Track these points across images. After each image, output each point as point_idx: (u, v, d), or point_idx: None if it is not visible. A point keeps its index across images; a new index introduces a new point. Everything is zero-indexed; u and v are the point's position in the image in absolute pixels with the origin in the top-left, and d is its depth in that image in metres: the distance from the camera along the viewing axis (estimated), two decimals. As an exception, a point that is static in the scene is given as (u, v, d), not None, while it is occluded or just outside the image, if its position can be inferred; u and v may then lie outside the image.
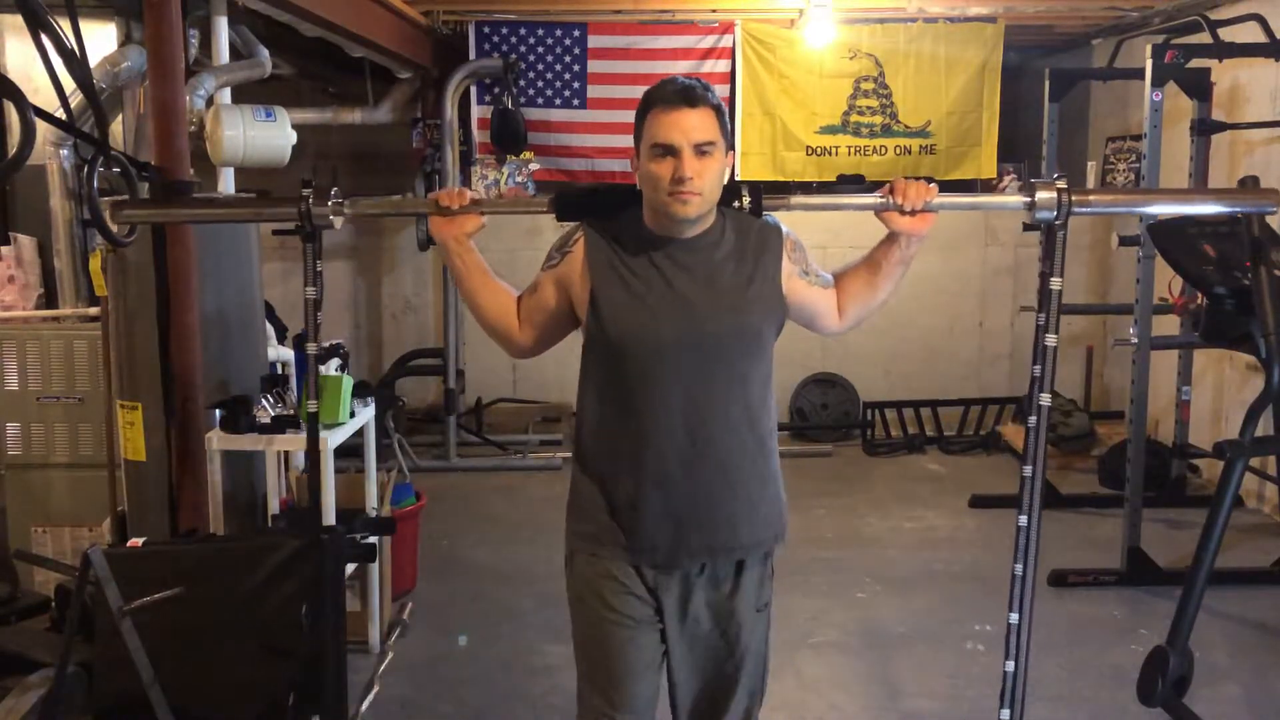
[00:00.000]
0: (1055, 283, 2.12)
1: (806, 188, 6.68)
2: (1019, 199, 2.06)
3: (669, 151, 1.93)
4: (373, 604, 3.75)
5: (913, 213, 2.01)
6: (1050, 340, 2.07)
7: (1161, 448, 5.50)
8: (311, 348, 2.21)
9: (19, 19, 2.48)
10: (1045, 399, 2.03)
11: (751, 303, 2.03)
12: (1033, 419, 2.04)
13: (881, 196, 2.02)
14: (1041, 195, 2.02)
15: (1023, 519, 2.22)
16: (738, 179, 6.75)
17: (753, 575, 2.15)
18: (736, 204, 2.07)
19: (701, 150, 1.92)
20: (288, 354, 4.33)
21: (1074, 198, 2.02)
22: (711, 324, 2.00)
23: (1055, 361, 2.06)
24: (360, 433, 3.77)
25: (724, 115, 1.97)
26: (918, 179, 2.03)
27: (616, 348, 2.03)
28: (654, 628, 2.12)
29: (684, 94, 1.93)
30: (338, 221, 2.15)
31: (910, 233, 2.05)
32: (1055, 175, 2.02)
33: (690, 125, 1.92)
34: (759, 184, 2.12)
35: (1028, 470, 2.08)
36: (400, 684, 3.55)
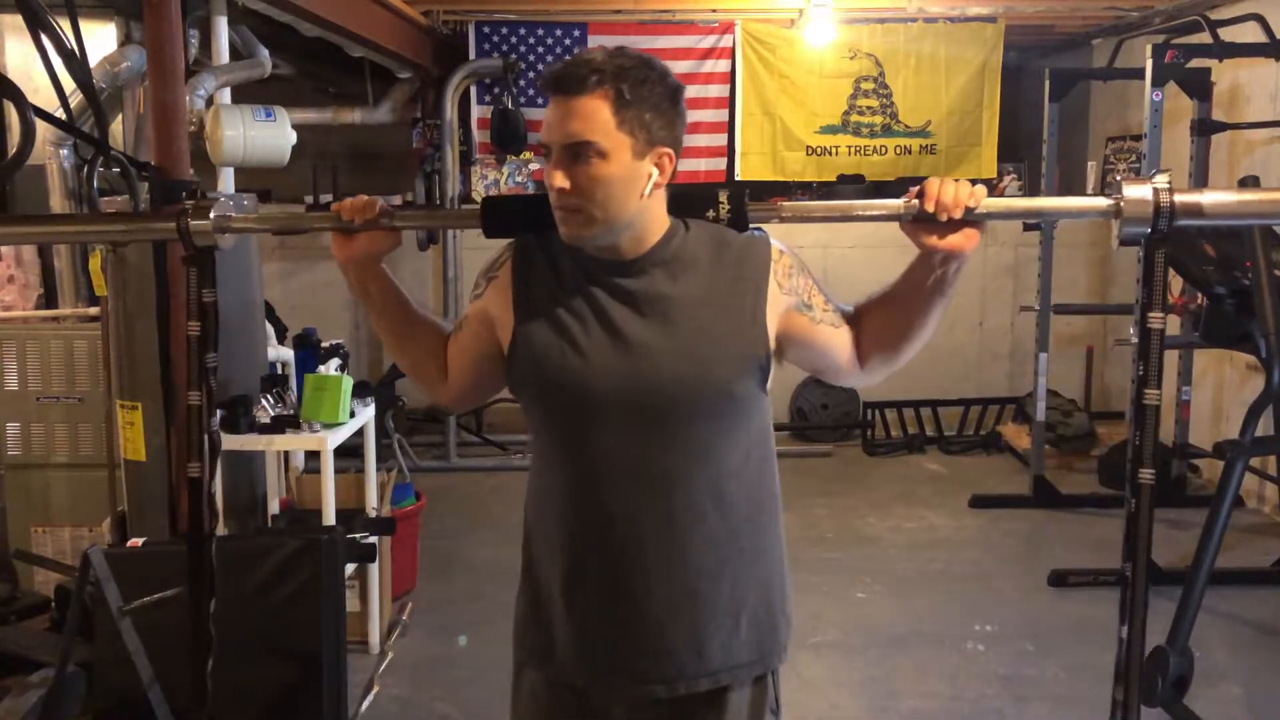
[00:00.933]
0: (1156, 319, 1.46)
1: (807, 188, 6.69)
2: (1100, 202, 1.47)
3: (548, 154, 1.49)
4: (373, 604, 3.75)
5: (951, 224, 1.45)
6: (1152, 398, 1.52)
7: (1162, 448, 5.49)
8: (195, 396, 1.77)
9: (19, 19, 2.48)
10: (1147, 474, 1.57)
11: (720, 349, 1.51)
12: (1131, 501, 1.58)
13: (908, 201, 1.47)
14: (1132, 193, 1.42)
15: (1124, 630, 1.55)
16: (734, 179, 6.78)
17: (737, 710, 1.61)
18: (712, 214, 1.55)
19: (575, 152, 1.44)
20: (288, 354, 4.33)
21: (1179, 201, 1.42)
22: (660, 376, 1.49)
23: (1157, 424, 1.55)
24: (360, 433, 3.77)
25: (638, 102, 1.44)
26: (958, 181, 1.46)
27: (538, 402, 1.59)
28: None
29: (557, 79, 1.46)
30: (225, 241, 1.75)
31: (950, 252, 1.47)
32: (1153, 171, 1.51)
33: (561, 119, 1.46)
34: (742, 187, 1.59)
35: (1128, 568, 1.57)
36: (400, 684, 3.55)
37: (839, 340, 1.62)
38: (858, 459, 6.47)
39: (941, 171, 6.57)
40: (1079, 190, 7.05)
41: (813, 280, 1.62)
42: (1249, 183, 3.81)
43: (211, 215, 1.69)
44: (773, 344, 1.56)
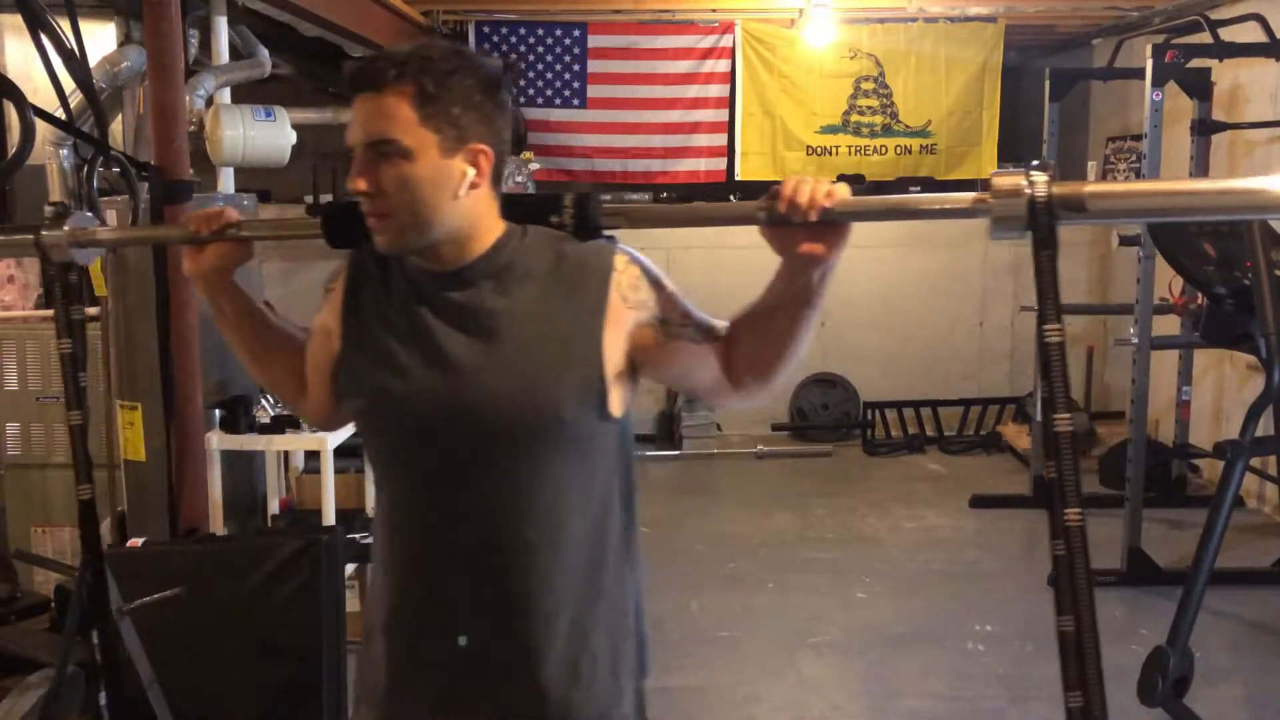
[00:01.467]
0: (1053, 333, 1.37)
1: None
2: (967, 197, 1.30)
3: (354, 157, 1.37)
4: (373, 604, 3.74)
5: (811, 228, 1.29)
6: (1063, 424, 1.28)
7: (1161, 448, 5.50)
8: (75, 416, 1.66)
9: (19, 19, 2.48)
10: (1074, 514, 1.22)
11: (548, 369, 1.37)
12: (1058, 543, 1.24)
13: (764, 204, 1.32)
14: (1003, 185, 1.24)
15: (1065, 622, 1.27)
16: (733, 178, 6.77)
17: None
18: (555, 220, 1.44)
19: (377, 152, 1.33)
20: (288, 354, 4.33)
21: (1058, 194, 1.23)
22: (481, 398, 1.37)
23: (1076, 457, 1.25)
24: (360, 433, 3.77)
25: (444, 96, 1.33)
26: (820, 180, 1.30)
27: (361, 424, 1.51)
28: None
29: (356, 76, 1.34)
30: (83, 256, 1.72)
31: (809, 258, 1.31)
32: (1032, 163, 1.25)
33: (362, 118, 1.35)
34: (589, 194, 1.47)
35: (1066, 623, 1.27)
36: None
37: (701, 358, 1.43)
38: (858, 459, 6.46)
39: (942, 172, 6.58)
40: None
41: (669, 292, 1.44)
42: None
43: (65, 228, 1.62)
44: (620, 363, 1.41)
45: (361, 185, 1.33)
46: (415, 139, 1.32)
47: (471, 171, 1.36)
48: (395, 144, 1.31)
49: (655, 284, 1.43)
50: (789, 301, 1.36)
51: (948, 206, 1.35)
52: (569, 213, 1.43)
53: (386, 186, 1.33)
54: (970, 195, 1.28)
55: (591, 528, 1.45)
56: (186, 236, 1.55)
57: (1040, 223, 1.23)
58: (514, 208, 1.46)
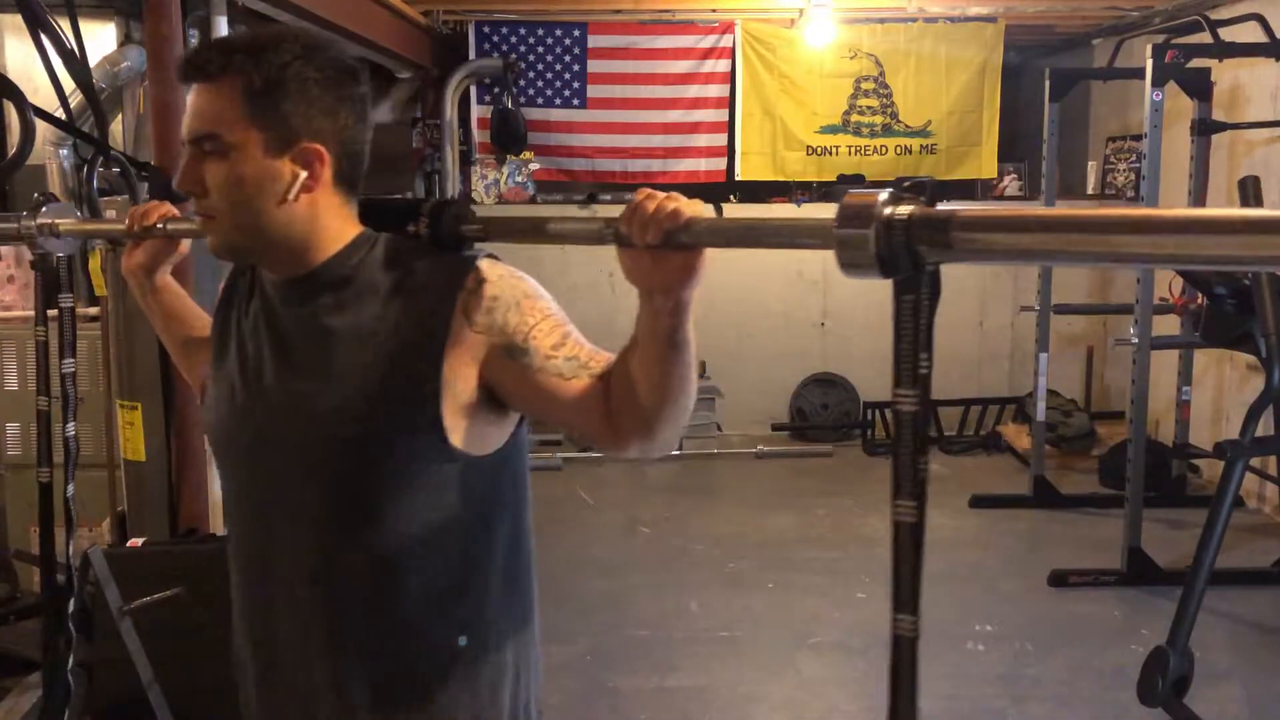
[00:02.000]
0: (905, 400, 1.09)
1: (807, 188, 6.69)
2: (820, 224, 0.99)
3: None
4: (373, 604, 3.75)
5: (657, 251, 1.08)
6: (906, 513, 1.10)
7: (1161, 448, 5.50)
8: (42, 401, 1.71)
9: (19, 19, 2.48)
10: (907, 624, 1.11)
11: (377, 396, 1.23)
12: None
13: (613, 221, 1.12)
14: (850, 203, 0.95)
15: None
16: (738, 178, 6.78)
17: None
18: (413, 229, 1.29)
19: (200, 147, 1.22)
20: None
21: (920, 218, 0.96)
22: (309, 426, 1.26)
23: (919, 548, 1.09)
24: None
25: (276, 89, 1.20)
26: (675, 196, 1.08)
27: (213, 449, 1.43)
28: None
29: (186, 63, 1.23)
30: (57, 246, 1.76)
31: (651, 287, 1.11)
32: (901, 182, 0.97)
33: (190, 109, 1.23)
34: (451, 200, 1.33)
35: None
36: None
37: (571, 396, 1.23)
38: (858, 459, 6.47)
39: (942, 172, 6.58)
40: (1079, 190, 7.06)
41: (539, 318, 1.26)
42: (1248, 183, 3.80)
43: (37, 220, 1.61)
44: (470, 392, 1.24)
45: (179, 182, 1.24)
46: (237, 135, 1.20)
47: (303, 174, 1.22)
48: (216, 140, 1.21)
49: (517, 306, 1.25)
50: (648, 339, 1.15)
51: (800, 238, 1.06)
52: (424, 221, 1.28)
53: (210, 185, 1.22)
54: (826, 222, 0.97)
55: (447, 579, 1.29)
56: (116, 233, 1.53)
57: (895, 263, 0.97)
58: (371, 213, 1.33)
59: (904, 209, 0.94)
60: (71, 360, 1.77)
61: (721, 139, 6.61)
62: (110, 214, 3.32)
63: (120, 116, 4.56)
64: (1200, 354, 5.47)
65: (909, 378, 1.06)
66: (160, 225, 1.50)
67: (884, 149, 6.66)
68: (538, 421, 1.38)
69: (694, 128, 6.60)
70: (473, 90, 6.49)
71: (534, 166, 6.57)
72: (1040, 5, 6.12)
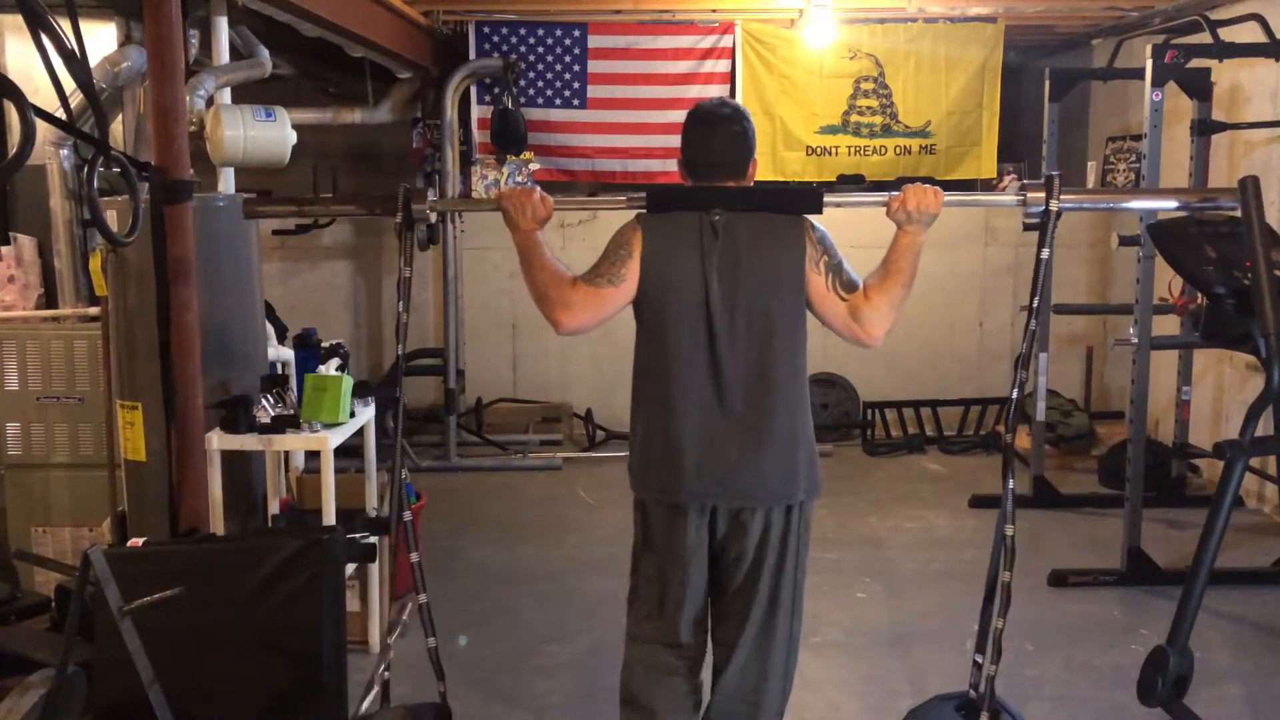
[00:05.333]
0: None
1: (806, 187, 6.69)
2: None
3: None
4: (373, 604, 3.75)
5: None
6: None
7: (1161, 448, 5.50)
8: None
9: (19, 19, 2.48)
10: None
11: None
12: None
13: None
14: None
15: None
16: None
17: None
18: None
19: None
20: (288, 354, 4.33)
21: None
22: None
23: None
24: (360, 433, 3.77)
25: None
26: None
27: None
28: None
29: None
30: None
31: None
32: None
33: None
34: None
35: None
36: (400, 684, 3.55)
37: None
38: (858, 459, 6.47)
39: (942, 172, 6.58)
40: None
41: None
42: (1248, 183, 3.79)
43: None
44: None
45: None
46: None
47: None
48: None
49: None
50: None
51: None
52: None
53: None
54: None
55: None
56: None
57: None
58: None
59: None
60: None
61: (721, 139, 6.61)
62: (110, 214, 3.33)
63: (120, 116, 4.56)
64: (1200, 354, 5.47)
65: None
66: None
67: (883, 149, 6.66)
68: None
69: (694, 128, 6.59)
70: (473, 90, 6.49)
71: (534, 166, 6.56)
72: (1040, 5, 6.12)
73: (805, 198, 2.46)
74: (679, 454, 2.40)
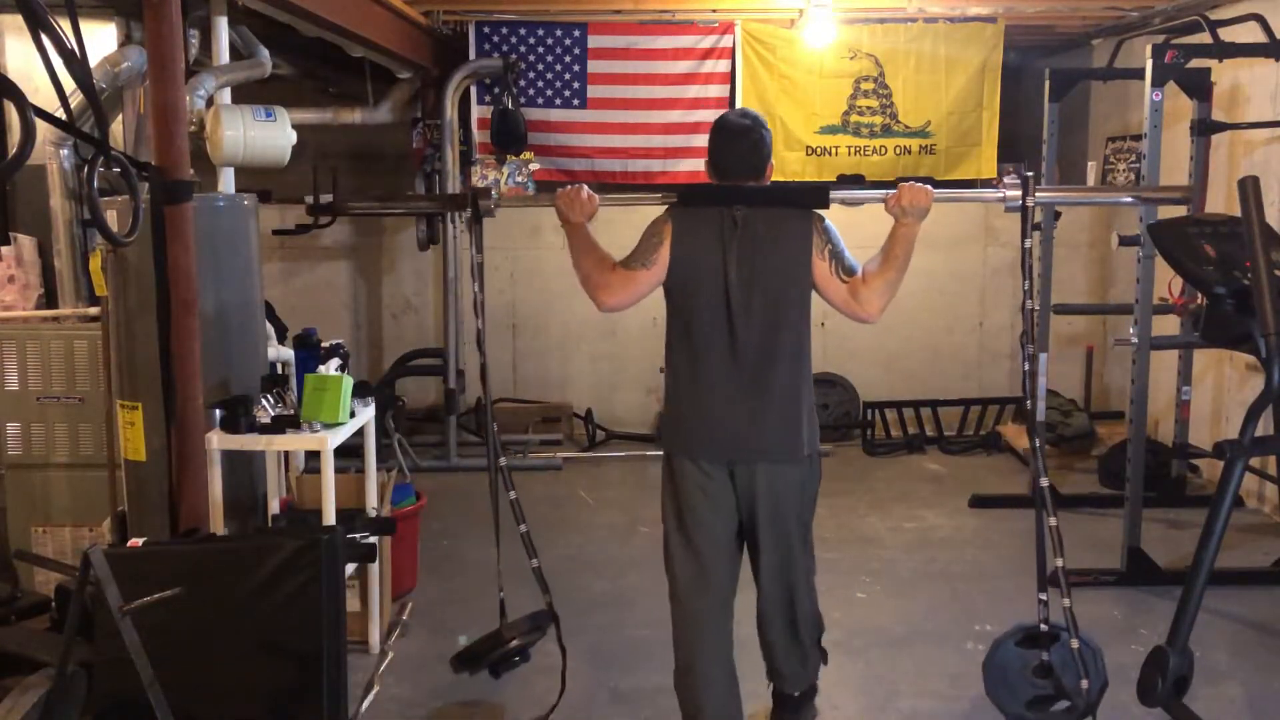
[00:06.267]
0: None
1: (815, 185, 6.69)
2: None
3: None
4: (373, 604, 3.75)
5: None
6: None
7: (1161, 448, 5.50)
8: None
9: (19, 19, 2.48)
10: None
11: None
12: None
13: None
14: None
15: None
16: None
17: None
18: None
19: None
20: (288, 354, 4.34)
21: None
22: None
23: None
24: (360, 433, 3.77)
25: None
26: None
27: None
28: None
29: None
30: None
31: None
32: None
33: None
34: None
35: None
36: (400, 684, 3.56)
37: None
38: (858, 459, 6.47)
39: (941, 172, 6.58)
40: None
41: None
42: (1248, 183, 3.79)
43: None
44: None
45: None
46: None
47: None
48: None
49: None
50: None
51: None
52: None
53: None
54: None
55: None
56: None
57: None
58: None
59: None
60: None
61: (721, 139, 6.61)
62: (110, 214, 3.33)
63: (120, 117, 4.57)
64: (1200, 354, 5.47)
65: None
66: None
67: (883, 149, 6.66)
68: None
69: (694, 128, 6.59)
70: (473, 90, 6.49)
71: (534, 166, 6.56)
72: (1040, 5, 6.12)
73: (813, 194, 2.85)
74: (702, 416, 2.85)
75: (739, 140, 2.88)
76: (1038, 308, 5.43)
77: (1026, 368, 2.95)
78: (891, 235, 2.78)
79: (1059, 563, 2.88)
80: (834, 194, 2.86)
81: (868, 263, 2.80)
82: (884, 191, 2.79)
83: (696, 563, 2.92)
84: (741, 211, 2.79)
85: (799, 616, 3.10)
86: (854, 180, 6.55)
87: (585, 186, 2.85)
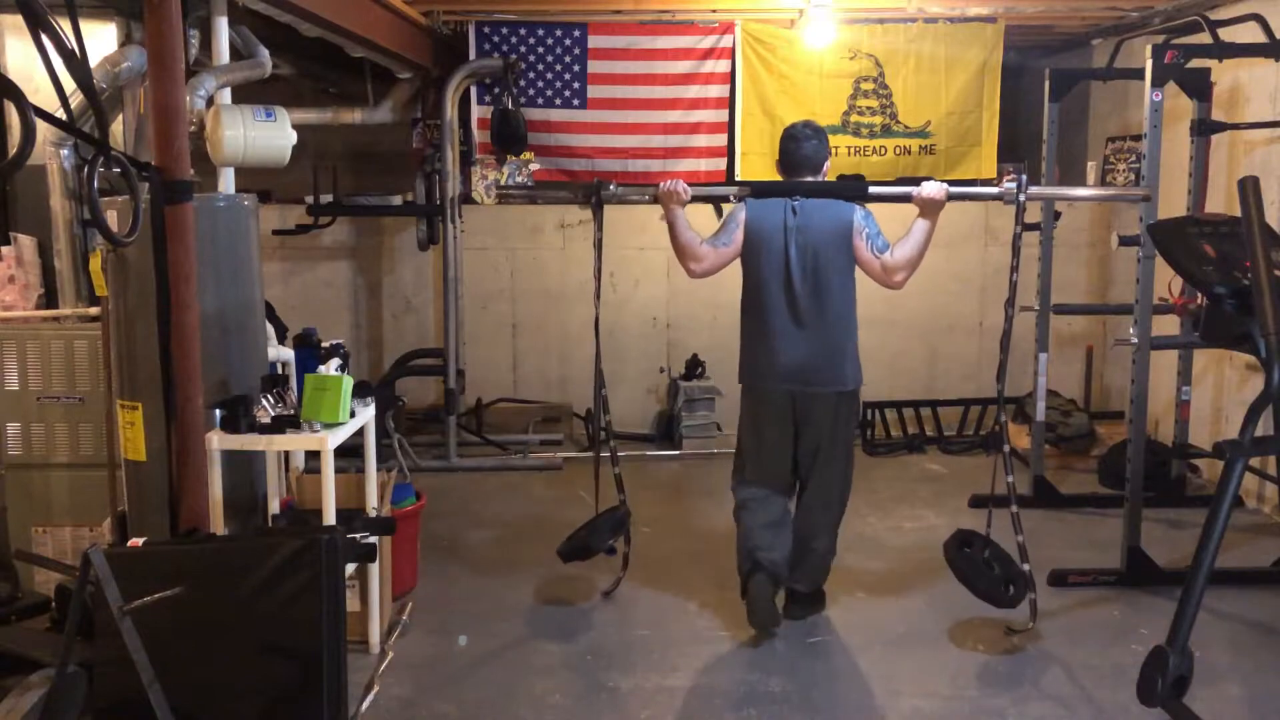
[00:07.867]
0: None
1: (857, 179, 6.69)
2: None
3: None
4: (373, 604, 3.75)
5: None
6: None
7: (1161, 448, 5.50)
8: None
9: (19, 19, 2.48)
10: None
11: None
12: None
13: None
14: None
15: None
16: (738, 178, 6.78)
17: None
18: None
19: None
20: (288, 354, 4.33)
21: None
22: None
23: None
24: (360, 433, 3.77)
25: None
26: None
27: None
28: None
29: None
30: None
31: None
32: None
33: None
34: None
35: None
36: (400, 684, 3.55)
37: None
38: (858, 459, 6.40)
39: (941, 172, 6.57)
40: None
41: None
42: (1248, 183, 3.79)
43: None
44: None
45: None
46: None
47: None
48: None
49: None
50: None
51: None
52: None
53: None
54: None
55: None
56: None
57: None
58: None
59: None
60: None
61: (721, 139, 6.61)
62: (110, 214, 3.33)
63: (121, 117, 4.56)
64: (1200, 354, 5.47)
65: None
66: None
67: (883, 149, 6.66)
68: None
69: (694, 128, 6.60)
70: (473, 90, 6.49)
71: (534, 166, 6.57)
72: (1040, 5, 6.12)
73: (855, 188, 3.75)
74: (770, 358, 3.77)
75: (802, 145, 3.79)
76: (1027, 305, 5.44)
77: (1006, 327, 4.12)
78: (914, 223, 3.70)
79: (1009, 479, 3.96)
80: (870, 190, 3.89)
81: (895, 244, 3.69)
82: (910, 189, 3.71)
83: (761, 457, 3.87)
84: (799, 201, 3.73)
85: (833, 497, 3.92)
86: (854, 180, 6.54)
87: (681, 180, 3.75)
